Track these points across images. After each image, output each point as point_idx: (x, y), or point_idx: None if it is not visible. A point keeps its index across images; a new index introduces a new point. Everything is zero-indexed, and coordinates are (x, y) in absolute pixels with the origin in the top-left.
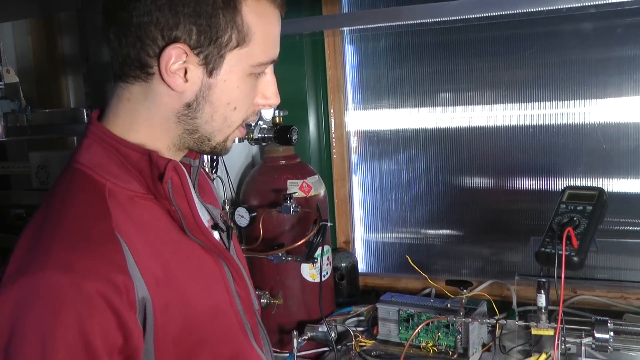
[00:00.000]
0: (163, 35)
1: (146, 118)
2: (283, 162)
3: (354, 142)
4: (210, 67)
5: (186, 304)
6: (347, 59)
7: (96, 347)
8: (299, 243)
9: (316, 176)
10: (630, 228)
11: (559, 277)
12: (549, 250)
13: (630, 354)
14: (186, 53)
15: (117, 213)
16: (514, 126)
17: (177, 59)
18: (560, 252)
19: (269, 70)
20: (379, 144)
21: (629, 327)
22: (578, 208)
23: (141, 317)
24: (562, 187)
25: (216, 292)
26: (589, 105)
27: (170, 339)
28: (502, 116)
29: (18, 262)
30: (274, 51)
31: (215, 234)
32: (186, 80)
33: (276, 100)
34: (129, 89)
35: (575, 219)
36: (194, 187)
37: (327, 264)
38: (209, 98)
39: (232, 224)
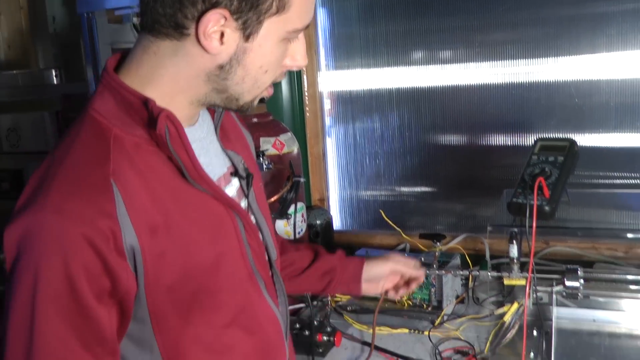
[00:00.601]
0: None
1: (173, 73)
2: (255, 119)
3: (327, 103)
4: (248, 32)
5: (187, 251)
6: (319, 20)
7: (81, 289)
8: (273, 199)
9: (289, 134)
10: (602, 181)
11: (531, 227)
12: (520, 200)
13: (600, 299)
14: (225, 17)
15: (118, 160)
16: (487, 83)
17: (215, 23)
18: (531, 202)
19: (300, 33)
20: (352, 104)
21: (598, 275)
22: (549, 159)
23: (132, 264)
24: (534, 141)
25: (224, 241)
26: (562, 62)
27: (165, 287)
28: (475, 74)
29: (25, 198)
30: (310, 16)
31: (236, 181)
32: (222, 43)
33: (304, 62)
34: (158, 43)
35: (546, 169)
36: (216, 132)
37: (302, 221)
38: (243, 62)
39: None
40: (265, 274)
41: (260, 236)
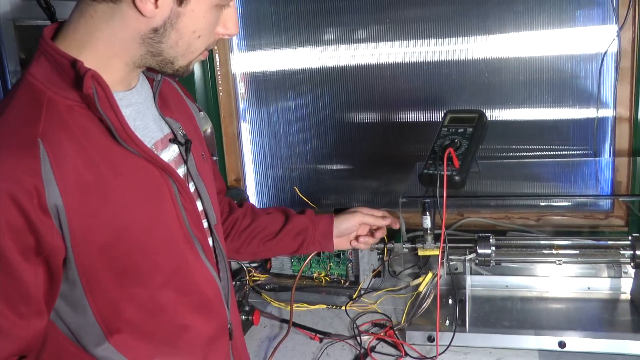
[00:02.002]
0: None
1: (108, 35)
2: None
3: (241, 87)
4: None
5: (119, 212)
6: None
7: (5, 245)
8: None
9: (202, 113)
10: (513, 153)
11: (442, 197)
12: (431, 171)
13: (512, 266)
14: None
15: (49, 121)
16: (399, 61)
17: None
18: (442, 172)
19: (232, 2)
20: (266, 84)
21: (509, 241)
22: (459, 130)
23: (57, 222)
24: (444, 113)
25: (159, 203)
26: (472, 40)
27: (97, 247)
28: (387, 52)
29: None
30: None
31: (175, 147)
32: (156, 7)
33: (235, 30)
34: (94, 7)
35: (456, 140)
36: (155, 100)
37: None
38: (176, 25)
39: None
40: (202, 239)
41: (200, 202)
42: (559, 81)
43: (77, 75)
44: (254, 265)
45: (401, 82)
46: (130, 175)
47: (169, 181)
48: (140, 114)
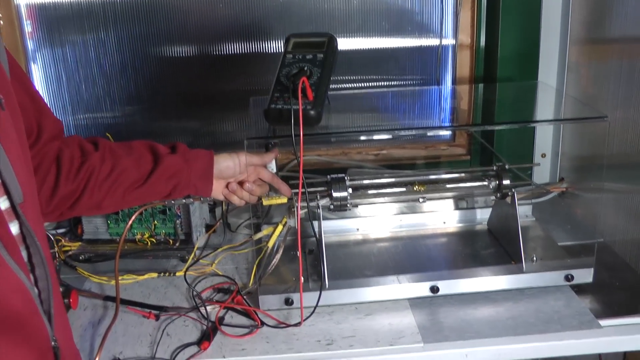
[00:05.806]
0: None
1: None
2: None
3: (27, 22)
4: None
5: None
6: None
7: None
8: None
9: None
10: (348, 85)
11: (298, 135)
12: (280, 106)
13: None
14: None
15: None
16: None
17: None
18: (295, 106)
19: None
20: (58, 18)
21: (366, 181)
22: (307, 57)
23: None
24: (285, 38)
25: None
26: None
27: None
28: None
29: None
30: None
31: None
32: None
33: None
34: None
35: (306, 68)
36: None
37: None
38: None
39: None
40: (2, 229)
41: None
42: (398, 9)
43: None
44: (61, 231)
45: (220, 9)
46: None
47: None
48: None
